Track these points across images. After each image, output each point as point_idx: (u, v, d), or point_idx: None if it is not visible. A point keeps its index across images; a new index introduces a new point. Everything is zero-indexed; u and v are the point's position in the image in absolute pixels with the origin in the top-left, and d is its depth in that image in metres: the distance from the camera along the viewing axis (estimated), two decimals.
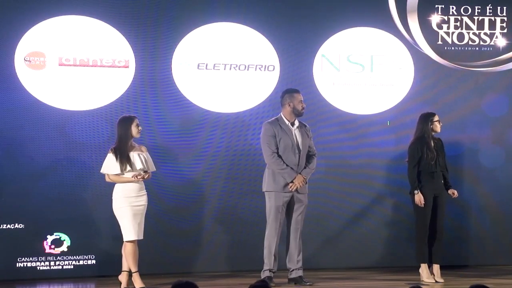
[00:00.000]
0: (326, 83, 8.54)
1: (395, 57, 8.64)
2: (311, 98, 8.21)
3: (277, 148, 6.91)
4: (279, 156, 6.87)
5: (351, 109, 8.63)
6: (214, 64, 8.28)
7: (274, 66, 8.40)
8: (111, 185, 6.94)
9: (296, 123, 7.06)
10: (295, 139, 7.00)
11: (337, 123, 8.53)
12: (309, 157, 7.14)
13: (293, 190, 6.74)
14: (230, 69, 8.32)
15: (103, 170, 6.78)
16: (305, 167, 6.99)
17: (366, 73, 8.61)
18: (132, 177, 6.60)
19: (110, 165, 6.70)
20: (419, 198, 7.29)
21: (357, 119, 8.58)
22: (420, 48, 8.56)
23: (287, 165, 6.82)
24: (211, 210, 8.24)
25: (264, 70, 8.37)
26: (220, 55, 8.26)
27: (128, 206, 6.64)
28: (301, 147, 6.97)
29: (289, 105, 6.98)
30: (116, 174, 6.69)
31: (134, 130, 6.74)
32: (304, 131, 7.10)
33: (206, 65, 8.27)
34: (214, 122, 8.23)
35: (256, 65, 8.34)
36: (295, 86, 7.82)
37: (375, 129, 8.58)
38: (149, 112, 8.06)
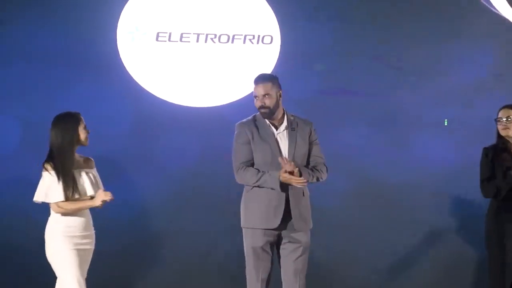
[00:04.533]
0: None
1: None
2: None
3: (252, 160, 5.91)
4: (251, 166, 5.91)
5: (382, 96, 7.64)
6: (182, 34, 7.34)
7: (272, 37, 7.43)
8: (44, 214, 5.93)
9: (284, 123, 5.99)
10: (277, 148, 5.86)
11: (367, 117, 7.55)
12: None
13: (297, 184, 5.72)
14: (206, 41, 7.38)
15: (42, 197, 5.76)
16: (309, 169, 5.92)
17: None
18: (98, 199, 5.69)
19: (52, 189, 5.71)
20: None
21: (396, 112, 7.61)
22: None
23: (263, 171, 5.80)
24: (172, 236, 7.46)
25: (257, 42, 7.42)
26: (190, 21, 7.38)
27: (72, 250, 5.63)
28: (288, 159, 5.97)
29: None
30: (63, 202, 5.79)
31: (82, 134, 5.72)
32: (300, 134, 5.99)
33: (170, 35, 7.34)
34: (182, 121, 7.41)
35: (245, 36, 7.41)
36: (301, 63, 7.24)
37: (429, 130, 7.56)
38: (86, 107, 6.85)
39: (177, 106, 7.40)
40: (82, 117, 5.81)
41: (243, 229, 5.94)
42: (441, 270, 7.57)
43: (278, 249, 5.86)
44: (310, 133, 5.99)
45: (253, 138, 5.81)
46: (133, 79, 7.32)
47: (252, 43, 7.48)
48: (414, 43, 7.62)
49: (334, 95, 7.46)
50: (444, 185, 7.58)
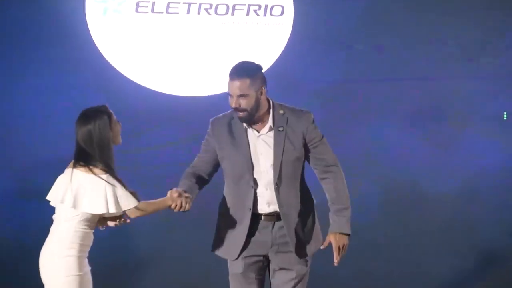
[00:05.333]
0: None
1: None
2: None
3: (202, 168, 5.09)
4: (193, 170, 5.04)
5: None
6: (168, 4, 6.87)
7: (283, 8, 6.91)
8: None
9: (269, 123, 5.04)
10: (249, 158, 4.93)
11: (403, 111, 6.89)
12: (324, 180, 5.00)
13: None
14: (199, 12, 6.87)
15: (114, 209, 5.03)
16: (337, 211, 4.79)
17: None
18: (178, 200, 5.16)
19: (124, 195, 5.11)
20: None
21: (441, 104, 6.98)
22: None
23: (185, 179, 4.99)
24: (159, 255, 7.03)
25: (264, 14, 6.87)
26: None
27: (84, 275, 5.01)
28: (258, 173, 4.93)
29: None
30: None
31: (117, 131, 5.11)
32: (290, 134, 5.00)
33: (153, 5, 6.85)
34: (169, 113, 6.86)
35: (249, 5, 6.87)
36: (319, 43, 6.86)
37: (484, 126, 6.90)
38: (49, 97, 6.75)
39: (162, 95, 6.79)
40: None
41: None
42: None
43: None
44: (306, 130, 4.99)
45: (220, 145, 4.97)
46: (107, 62, 6.77)
47: (258, 15, 6.86)
48: (463, 17, 6.97)
49: (360, 84, 6.84)
50: (502, 195, 6.99)
